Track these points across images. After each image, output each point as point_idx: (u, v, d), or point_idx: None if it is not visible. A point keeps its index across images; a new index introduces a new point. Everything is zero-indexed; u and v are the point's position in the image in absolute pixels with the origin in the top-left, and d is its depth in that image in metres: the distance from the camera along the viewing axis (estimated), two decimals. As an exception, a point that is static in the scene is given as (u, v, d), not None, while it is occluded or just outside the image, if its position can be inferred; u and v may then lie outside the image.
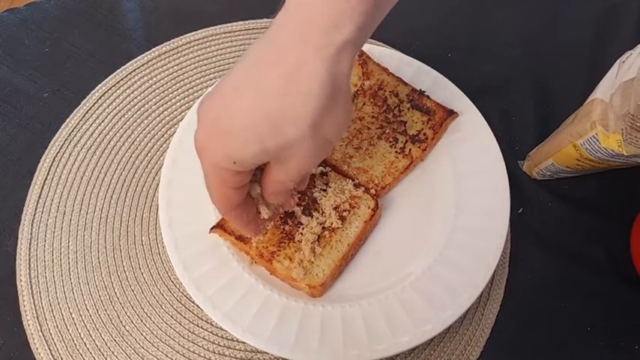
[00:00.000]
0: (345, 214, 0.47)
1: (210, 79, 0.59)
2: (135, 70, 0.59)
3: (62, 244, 0.51)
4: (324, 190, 0.47)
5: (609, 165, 0.47)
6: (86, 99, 0.58)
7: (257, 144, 0.31)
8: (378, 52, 0.55)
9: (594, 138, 0.44)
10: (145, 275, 0.50)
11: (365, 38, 0.32)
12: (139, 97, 0.58)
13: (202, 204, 0.48)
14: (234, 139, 0.31)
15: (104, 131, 0.56)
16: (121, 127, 0.56)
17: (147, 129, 0.56)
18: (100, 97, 0.58)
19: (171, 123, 0.57)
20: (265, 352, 0.46)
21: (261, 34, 0.33)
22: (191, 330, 0.48)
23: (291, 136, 0.31)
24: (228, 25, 0.63)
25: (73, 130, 0.56)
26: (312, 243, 0.45)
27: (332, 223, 0.46)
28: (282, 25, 0.31)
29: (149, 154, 0.55)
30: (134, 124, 0.57)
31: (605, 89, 0.44)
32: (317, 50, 0.30)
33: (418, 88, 0.53)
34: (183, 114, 0.57)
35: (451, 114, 0.51)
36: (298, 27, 0.30)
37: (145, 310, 0.48)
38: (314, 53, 0.30)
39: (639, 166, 0.52)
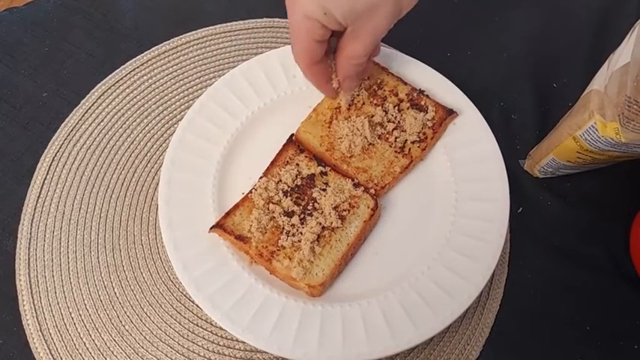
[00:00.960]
0: (344, 213, 0.47)
1: (210, 79, 0.59)
2: (134, 69, 0.59)
3: (62, 244, 0.51)
4: (324, 190, 0.47)
5: (610, 156, 0.47)
6: (85, 98, 0.58)
7: (347, 2, 0.37)
8: (378, 51, 0.55)
9: (593, 127, 0.44)
10: (144, 275, 0.50)
11: None
12: (138, 97, 0.58)
13: (202, 203, 0.48)
14: None
15: (103, 131, 0.56)
16: (121, 127, 0.56)
17: (146, 128, 0.56)
18: (100, 97, 0.58)
19: (170, 122, 0.57)
20: (265, 352, 0.46)
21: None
22: (191, 330, 0.48)
23: None
24: (228, 24, 0.63)
25: (72, 130, 0.56)
26: (311, 242, 0.45)
27: (331, 223, 0.46)
28: None
29: (148, 154, 0.55)
30: (133, 123, 0.57)
31: (601, 81, 0.44)
32: None
33: (418, 88, 0.53)
34: (182, 113, 0.57)
35: (451, 113, 0.51)
36: None
37: (145, 310, 0.48)
38: None
39: (639, 166, 0.52)
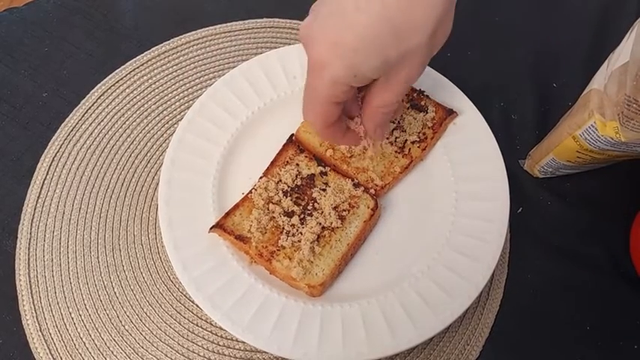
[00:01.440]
0: (344, 213, 0.47)
1: (210, 79, 0.59)
2: (134, 69, 0.59)
3: (61, 244, 0.51)
4: (324, 190, 0.47)
5: (609, 155, 0.47)
6: (85, 98, 0.58)
7: (381, 56, 0.34)
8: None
9: (592, 127, 0.44)
10: (144, 275, 0.50)
11: None
12: (138, 97, 0.58)
13: (202, 203, 0.48)
14: (359, 54, 0.33)
15: (103, 131, 0.56)
16: (121, 127, 0.56)
17: (146, 128, 0.56)
18: (100, 97, 0.58)
19: (170, 122, 0.57)
20: (265, 352, 0.46)
21: None
22: (191, 329, 0.48)
23: (413, 43, 0.34)
24: (228, 24, 0.63)
25: (72, 130, 0.56)
26: (311, 242, 0.45)
27: (331, 223, 0.46)
28: None
29: (148, 154, 0.55)
30: (133, 123, 0.57)
31: (600, 80, 0.44)
32: None
33: (418, 88, 0.53)
34: (182, 113, 0.57)
35: (451, 113, 0.51)
36: None
37: (145, 310, 0.48)
38: None
39: (639, 166, 0.52)
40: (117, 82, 0.59)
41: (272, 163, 0.49)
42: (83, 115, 0.57)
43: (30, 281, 0.49)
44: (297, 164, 0.49)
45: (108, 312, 0.48)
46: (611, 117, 0.42)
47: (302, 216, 0.46)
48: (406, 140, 0.50)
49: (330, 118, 0.39)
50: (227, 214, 0.47)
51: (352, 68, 0.34)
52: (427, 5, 0.33)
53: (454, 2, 0.35)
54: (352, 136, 0.44)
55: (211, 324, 0.48)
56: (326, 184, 0.48)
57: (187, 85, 0.59)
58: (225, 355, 0.47)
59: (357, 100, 0.43)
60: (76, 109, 0.57)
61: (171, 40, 0.61)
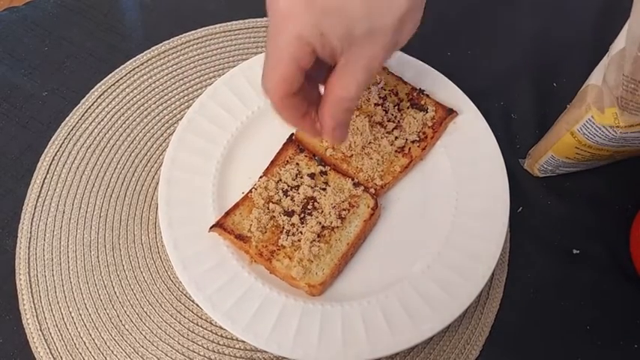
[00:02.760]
0: (344, 213, 0.47)
1: (210, 78, 0.59)
2: (134, 68, 0.59)
3: (61, 243, 0.50)
4: (324, 189, 0.47)
5: (608, 151, 0.47)
6: (85, 98, 0.58)
7: (348, 25, 0.33)
8: (378, 51, 0.55)
9: (590, 121, 0.44)
10: (144, 274, 0.50)
11: None
12: (138, 96, 0.58)
13: (202, 203, 0.48)
14: (327, 16, 0.32)
15: (103, 130, 0.56)
16: (121, 126, 0.56)
17: (146, 128, 0.56)
18: (100, 96, 0.58)
19: (170, 122, 0.57)
20: (265, 351, 0.46)
21: None
22: (191, 329, 0.48)
23: (381, 22, 0.33)
24: (228, 24, 0.63)
25: (72, 129, 0.56)
26: (311, 242, 0.45)
27: (331, 222, 0.46)
28: None
29: (148, 153, 0.55)
30: (133, 122, 0.57)
31: (598, 76, 0.44)
32: None
33: (418, 87, 0.53)
34: (182, 113, 0.57)
35: (451, 113, 0.51)
36: None
37: (145, 310, 0.48)
38: None
39: (639, 164, 0.52)
40: (117, 81, 0.59)
41: (272, 162, 0.49)
42: (83, 115, 0.57)
43: (30, 280, 0.49)
44: (297, 163, 0.49)
45: (108, 311, 0.48)
46: (609, 104, 0.42)
47: (302, 215, 0.46)
48: (406, 140, 0.50)
49: (292, 85, 0.35)
50: (227, 213, 0.47)
51: (319, 27, 0.33)
52: None
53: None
54: (310, 123, 0.39)
55: (211, 323, 0.48)
56: (326, 183, 0.48)
57: (187, 84, 0.59)
58: (225, 354, 0.47)
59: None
60: (75, 108, 0.57)
61: (171, 39, 0.61)
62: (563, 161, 0.51)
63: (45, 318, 0.47)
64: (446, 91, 0.53)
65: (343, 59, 0.35)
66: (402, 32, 0.35)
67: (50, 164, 0.54)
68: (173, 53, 0.61)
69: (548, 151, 0.51)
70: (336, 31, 0.33)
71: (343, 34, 0.33)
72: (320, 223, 0.46)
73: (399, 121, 0.51)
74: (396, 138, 0.50)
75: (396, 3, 0.33)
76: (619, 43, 0.42)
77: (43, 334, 0.47)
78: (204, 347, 0.47)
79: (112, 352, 0.46)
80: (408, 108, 0.52)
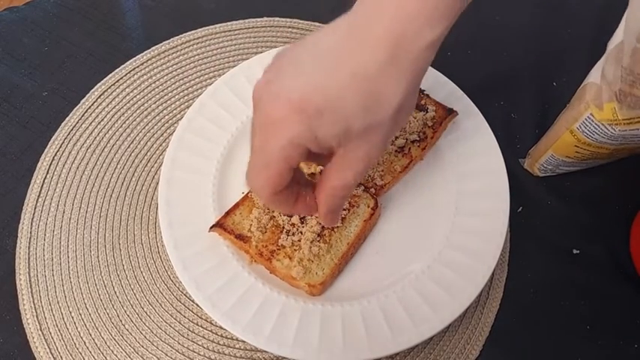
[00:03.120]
0: (344, 212, 0.47)
1: (210, 78, 0.59)
2: (134, 68, 0.59)
3: (62, 243, 0.51)
4: (324, 189, 0.47)
5: (607, 149, 0.47)
6: (85, 98, 0.58)
7: (345, 124, 0.31)
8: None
9: (589, 118, 0.44)
10: (144, 274, 0.50)
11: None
12: (138, 96, 0.58)
13: (202, 203, 0.48)
14: (321, 117, 0.31)
15: (103, 130, 0.56)
16: (121, 126, 0.56)
17: (146, 128, 0.56)
18: (100, 96, 0.58)
19: (170, 122, 0.57)
20: (265, 351, 0.46)
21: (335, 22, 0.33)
22: (191, 329, 0.48)
23: (378, 117, 0.32)
24: (228, 23, 0.63)
25: (72, 129, 0.56)
26: (311, 242, 0.45)
27: (331, 222, 0.46)
28: (373, 12, 0.31)
29: (148, 153, 0.55)
30: (133, 122, 0.57)
31: (597, 74, 0.44)
32: (413, 40, 0.31)
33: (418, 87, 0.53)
34: (182, 113, 0.57)
35: (451, 113, 0.51)
36: (394, 18, 0.31)
37: (145, 309, 0.48)
38: (411, 42, 0.31)
39: (639, 164, 0.52)
40: (117, 81, 0.59)
41: (272, 162, 0.49)
42: (83, 115, 0.57)
43: (30, 280, 0.49)
44: (297, 163, 0.49)
45: (108, 311, 0.48)
46: (608, 99, 0.42)
47: (302, 215, 0.46)
48: (406, 139, 0.50)
49: (282, 183, 0.34)
50: (227, 213, 0.47)
51: (313, 131, 0.31)
52: (394, 79, 0.31)
53: (419, 77, 0.33)
54: (303, 207, 0.37)
55: (211, 323, 0.48)
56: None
57: (187, 84, 0.59)
58: (225, 354, 0.47)
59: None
60: (75, 108, 0.57)
61: (171, 39, 0.61)
62: (563, 160, 0.51)
63: (45, 318, 0.47)
64: (446, 90, 0.53)
65: (341, 151, 0.33)
66: (398, 121, 0.33)
67: (50, 164, 0.54)
68: (173, 53, 0.61)
69: (548, 151, 0.51)
70: (332, 131, 0.31)
71: (340, 132, 0.31)
72: (320, 222, 0.46)
73: (399, 121, 0.51)
74: (396, 138, 0.50)
75: (392, 92, 0.31)
76: (617, 37, 0.42)
77: (43, 334, 0.47)
78: (204, 347, 0.47)
79: (112, 352, 0.46)
80: (408, 108, 0.52)
